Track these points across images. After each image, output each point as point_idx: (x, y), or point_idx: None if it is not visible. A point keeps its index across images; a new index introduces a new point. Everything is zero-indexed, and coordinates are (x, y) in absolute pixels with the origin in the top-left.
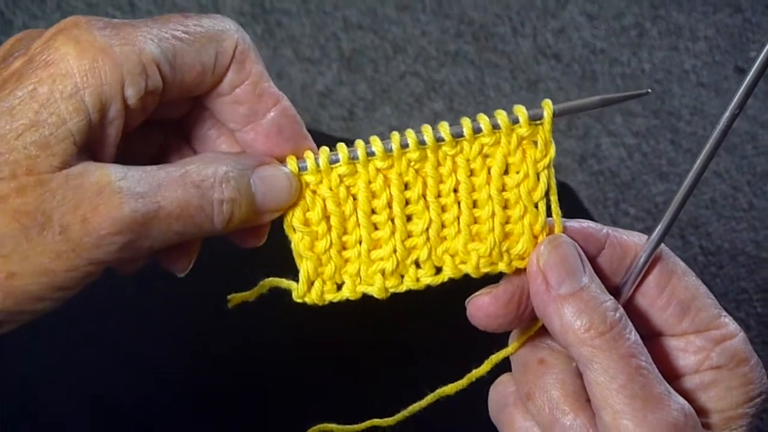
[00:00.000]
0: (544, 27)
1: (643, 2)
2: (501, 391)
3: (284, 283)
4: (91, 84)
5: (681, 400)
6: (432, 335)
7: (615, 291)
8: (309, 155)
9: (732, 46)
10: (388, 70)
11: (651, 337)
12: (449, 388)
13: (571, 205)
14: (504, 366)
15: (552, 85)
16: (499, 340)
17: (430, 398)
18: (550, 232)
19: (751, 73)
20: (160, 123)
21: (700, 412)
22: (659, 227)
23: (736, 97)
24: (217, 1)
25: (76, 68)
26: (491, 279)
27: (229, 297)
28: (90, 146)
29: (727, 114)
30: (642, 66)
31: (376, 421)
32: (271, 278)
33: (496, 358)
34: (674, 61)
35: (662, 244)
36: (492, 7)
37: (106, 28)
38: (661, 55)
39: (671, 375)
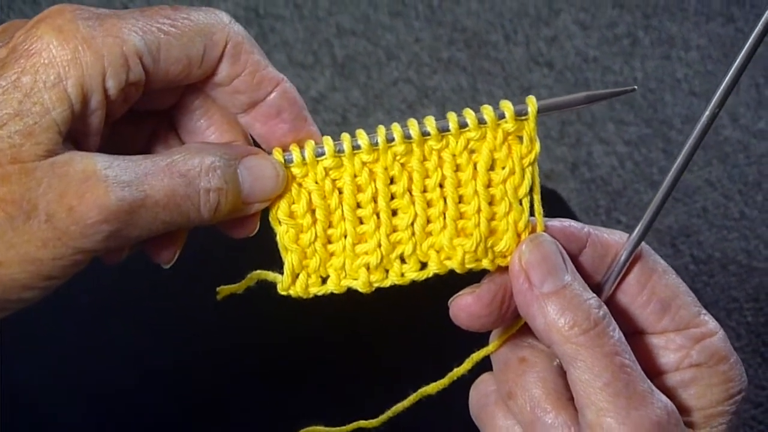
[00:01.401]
0: (536, 35)
1: (636, 11)
2: (482, 390)
3: (270, 275)
4: (73, 74)
5: (664, 398)
6: (414, 334)
7: (596, 289)
8: (295, 148)
9: (724, 56)
10: (381, 76)
11: (632, 334)
12: (431, 388)
13: (561, 212)
14: (485, 365)
15: (544, 92)
16: (480, 338)
17: (412, 398)
18: (532, 231)
19: (731, 71)
20: (149, 114)
21: (682, 409)
22: (640, 225)
23: (717, 95)
24: (210, 4)
25: (58, 57)
26: (474, 278)
27: (217, 289)
28: (74, 136)
29: (707, 113)
30: (634, 74)
31: (362, 423)
32: (258, 271)
33: (477, 356)
34: (666, 70)
35: (643, 243)
36: (485, 15)
37: (90, 18)
38: (654, 64)
39: (652, 372)
